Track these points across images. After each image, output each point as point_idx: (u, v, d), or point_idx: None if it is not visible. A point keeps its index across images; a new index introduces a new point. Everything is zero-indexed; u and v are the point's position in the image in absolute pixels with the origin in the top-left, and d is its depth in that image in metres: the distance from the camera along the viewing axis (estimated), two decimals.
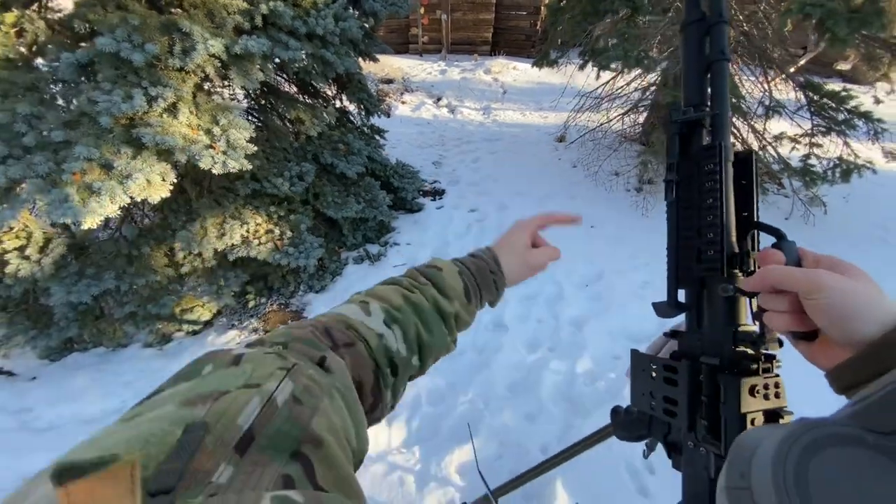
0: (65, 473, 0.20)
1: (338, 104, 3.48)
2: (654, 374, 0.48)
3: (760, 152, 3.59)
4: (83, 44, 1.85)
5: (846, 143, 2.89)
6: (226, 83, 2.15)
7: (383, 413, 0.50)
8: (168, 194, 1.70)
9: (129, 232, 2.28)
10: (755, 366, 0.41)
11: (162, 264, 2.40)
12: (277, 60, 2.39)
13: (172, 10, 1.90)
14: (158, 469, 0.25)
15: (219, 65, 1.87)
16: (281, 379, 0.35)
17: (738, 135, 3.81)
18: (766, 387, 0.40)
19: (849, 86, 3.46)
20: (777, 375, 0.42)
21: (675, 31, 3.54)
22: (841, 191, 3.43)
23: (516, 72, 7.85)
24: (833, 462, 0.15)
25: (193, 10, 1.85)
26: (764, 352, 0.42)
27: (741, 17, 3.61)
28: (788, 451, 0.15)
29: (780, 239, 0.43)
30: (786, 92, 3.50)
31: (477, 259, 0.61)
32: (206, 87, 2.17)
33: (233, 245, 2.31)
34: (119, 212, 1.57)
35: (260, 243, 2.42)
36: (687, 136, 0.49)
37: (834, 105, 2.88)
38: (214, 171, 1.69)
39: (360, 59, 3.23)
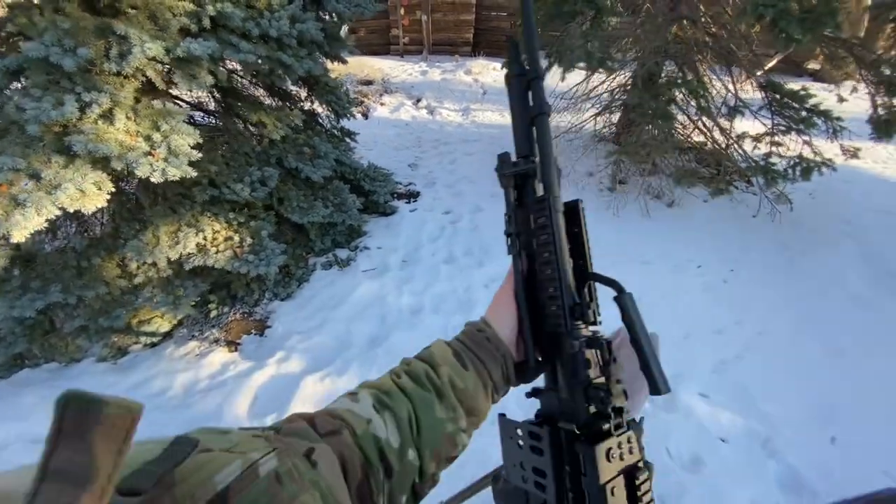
0: (71, 401, 0.19)
1: (307, 106, 3.43)
2: (520, 443, 0.44)
3: (727, 151, 3.63)
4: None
5: (806, 142, 2.93)
6: (171, 87, 2.08)
7: None
8: (104, 204, 1.64)
9: (78, 243, 2.20)
10: (607, 425, 0.39)
11: (114, 275, 2.32)
12: (231, 63, 2.34)
13: (118, 13, 1.84)
14: (140, 468, 0.25)
15: (162, 68, 1.81)
16: (266, 452, 0.33)
17: (707, 134, 3.85)
18: (619, 446, 0.39)
19: (815, 84, 3.51)
20: (628, 429, 0.41)
21: (644, 31, 3.55)
22: (807, 188, 3.48)
23: (496, 72, 7.84)
24: None
25: (134, 12, 1.79)
26: (612, 408, 0.40)
27: (708, 18, 3.64)
28: None
29: (620, 292, 0.42)
30: (752, 92, 3.54)
31: (466, 328, 0.54)
32: (158, 90, 2.11)
33: (188, 254, 2.24)
34: (46, 223, 1.50)
35: (218, 251, 2.36)
36: (521, 186, 0.50)
37: (795, 104, 2.92)
38: (153, 180, 1.62)
39: (326, 60, 3.18)
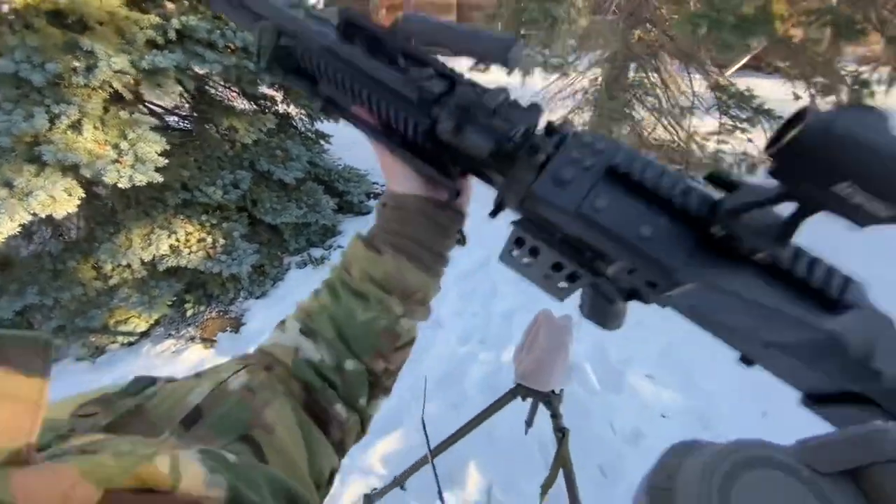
0: None
1: (281, 109, 3.53)
2: None
3: (688, 147, 3.81)
4: None
5: (749, 140, 3.13)
6: (139, 98, 2.18)
7: (347, 434, 0.42)
8: (75, 209, 1.74)
9: (54, 247, 2.29)
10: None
11: (90, 277, 2.41)
12: (202, 72, 2.44)
13: (86, 28, 1.94)
14: (98, 397, 0.27)
15: (130, 80, 1.91)
16: (236, 370, 0.35)
17: (672, 132, 4.03)
18: None
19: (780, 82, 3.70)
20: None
21: (607, 34, 3.72)
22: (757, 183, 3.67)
23: (479, 73, 7.96)
24: (762, 482, 0.15)
25: (101, 28, 1.89)
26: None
27: (666, 20, 3.82)
28: (721, 463, 0.15)
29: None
30: (709, 91, 3.73)
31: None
32: (126, 101, 2.21)
33: (161, 255, 2.34)
34: (20, 228, 1.60)
35: (191, 252, 2.46)
36: None
37: (741, 104, 3.10)
38: (120, 185, 1.73)
39: None
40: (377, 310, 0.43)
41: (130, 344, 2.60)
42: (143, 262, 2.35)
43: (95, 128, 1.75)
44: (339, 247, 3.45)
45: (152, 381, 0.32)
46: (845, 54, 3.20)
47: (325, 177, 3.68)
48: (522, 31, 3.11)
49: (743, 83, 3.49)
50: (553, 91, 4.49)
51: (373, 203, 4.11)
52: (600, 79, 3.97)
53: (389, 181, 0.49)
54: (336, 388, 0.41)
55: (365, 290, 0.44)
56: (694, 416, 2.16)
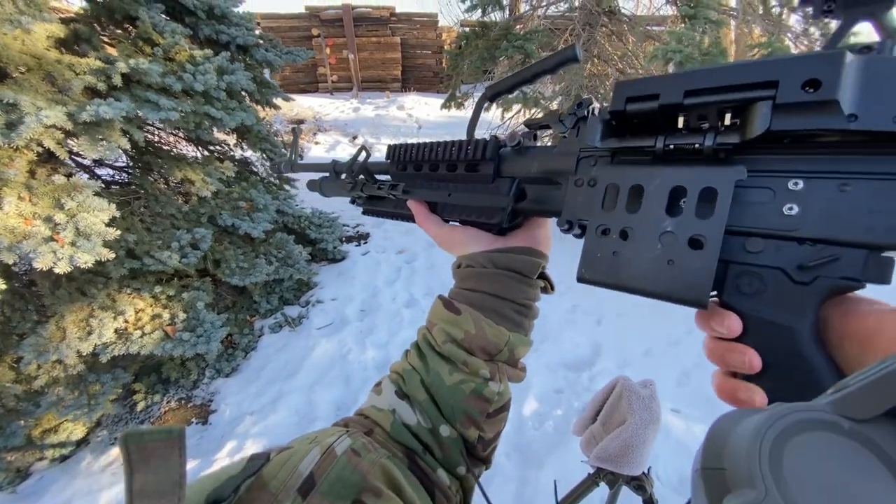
0: (128, 438, 0.24)
1: (238, 155, 3.19)
2: None
3: None
4: None
5: None
6: (72, 156, 1.79)
7: (451, 502, 0.41)
8: None
9: None
10: None
11: (7, 380, 1.87)
12: (155, 121, 2.09)
13: (5, 76, 1.55)
14: (223, 483, 0.30)
15: (63, 136, 1.55)
16: (340, 435, 0.36)
17: None
18: None
19: None
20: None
21: (570, 70, 3.87)
22: None
23: (429, 107, 8.06)
24: (808, 446, 0.15)
25: (24, 75, 1.52)
26: None
27: (615, 57, 4.08)
28: (765, 434, 0.16)
29: None
30: None
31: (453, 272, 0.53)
32: (58, 160, 1.80)
33: (105, 343, 1.88)
34: None
35: (144, 334, 2.02)
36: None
37: None
38: (58, 270, 1.34)
39: (258, 106, 3.00)
40: (463, 373, 0.42)
41: (64, 458, 2.04)
42: (80, 355, 1.87)
43: (20, 198, 1.36)
44: (319, 301, 3.09)
45: (267, 456, 0.33)
46: None
47: (294, 225, 3.34)
48: (495, 69, 3.12)
49: None
50: (521, 121, 4.58)
51: (347, 248, 3.81)
52: (561, 108, 4.12)
53: (453, 251, 0.50)
54: (434, 453, 0.41)
55: (448, 352, 0.43)
56: None
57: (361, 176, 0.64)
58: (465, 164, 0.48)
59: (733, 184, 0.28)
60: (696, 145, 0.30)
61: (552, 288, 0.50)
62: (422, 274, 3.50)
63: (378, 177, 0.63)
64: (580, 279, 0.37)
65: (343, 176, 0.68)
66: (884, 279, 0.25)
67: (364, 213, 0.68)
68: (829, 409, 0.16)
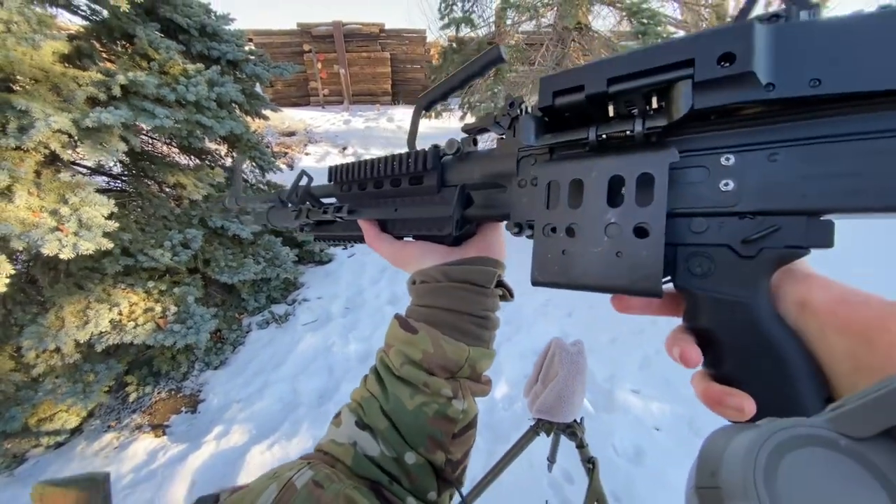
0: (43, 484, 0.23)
1: (229, 161, 3.37)
2: None
3: None
4: None
5: None
6: (79, 157, 1.97)
7: None
8: (4, 288, 1.46)
9: None
10: None
11: (7, 369, 2.00)
12: (149, 128, 2.27)
13: (13, 88, 1.73)
14: None
15: (68, 140, 1.72)
16: (300, 468, 0.34)
17: None
18: None
19: None
20: None
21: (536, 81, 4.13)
22: None
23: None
24: (803, 463, 0.15)
25: (33, 86, 1.70)
26: None
27: None
28: (759, 450, 0.15)
29: None
30: None
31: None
32: (62, 161, 1.97)
33: (100, 333, 2.03)
34: None
35: (136, 325, 2.16)
36: None
37: None
38: (62, 256, 1.50)
39: (247, 117, 3.20)
40: (425, 394, 0.40)
41: (59, 445, 2.16)
42: (77, 344, 2.01)
43: (30, 193, 1.52)
44: (304, 300, 3.25)
45: (215, 498, 0.31)
46: None
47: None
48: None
49: None
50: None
51: (334, 250, 3.98)
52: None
53: (407, 268, 0.49)
54: (401, 483, 0.38)
55: (406, 374, 0.41)
56: (683, 423, 2.25)
57: (307, 202, 0.61)
58: (408, 178, 0.47)
59: (667, 166, 0.28)
60: (628, 132, 0.30)
61: (511, 295, 0.48)
62: (404, 274, 3.67)
63: (325, 200, 0.61)
64: (534, 282, 0.35)
65: (289, 205, 0.64)
66: (826, 243, 0.25)
67: (315, 239, 0.66)
68: (826, 425, 0.16)
